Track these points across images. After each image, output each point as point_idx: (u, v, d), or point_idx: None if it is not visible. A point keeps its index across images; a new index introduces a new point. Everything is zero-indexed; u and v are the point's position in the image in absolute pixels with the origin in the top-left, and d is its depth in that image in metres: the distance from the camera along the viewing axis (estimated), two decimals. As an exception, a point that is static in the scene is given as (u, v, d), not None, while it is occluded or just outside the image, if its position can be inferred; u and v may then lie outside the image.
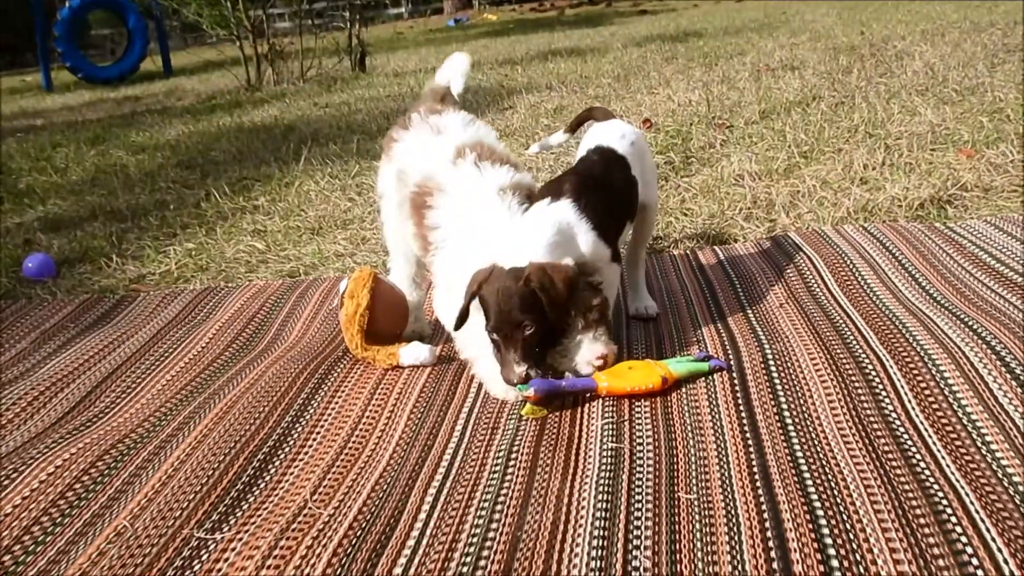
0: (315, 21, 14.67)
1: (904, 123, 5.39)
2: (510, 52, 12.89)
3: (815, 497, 1.96)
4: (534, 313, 2.51)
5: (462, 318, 2.60)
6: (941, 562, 1.72)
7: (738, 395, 2.48)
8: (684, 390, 2.53)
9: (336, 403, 2.72)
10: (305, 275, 4.13)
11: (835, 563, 1.74)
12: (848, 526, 1.85)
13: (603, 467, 2.17)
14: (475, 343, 2.70)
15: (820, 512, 1.90)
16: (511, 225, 2.67)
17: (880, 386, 2.43)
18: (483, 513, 2.05)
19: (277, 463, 2.39)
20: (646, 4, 22.62)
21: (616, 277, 2.83)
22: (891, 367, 2.51)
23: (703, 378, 2.59)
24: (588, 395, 2.54)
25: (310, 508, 2.15)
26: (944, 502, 1.90)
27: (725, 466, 2.12)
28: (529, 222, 2.65)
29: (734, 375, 2.60)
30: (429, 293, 3.26)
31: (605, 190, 2.80)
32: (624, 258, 3.18)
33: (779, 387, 2.49)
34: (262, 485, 2.28)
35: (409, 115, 3.14)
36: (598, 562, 1.83)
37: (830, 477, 2.03)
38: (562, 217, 2.65)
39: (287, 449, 2.46)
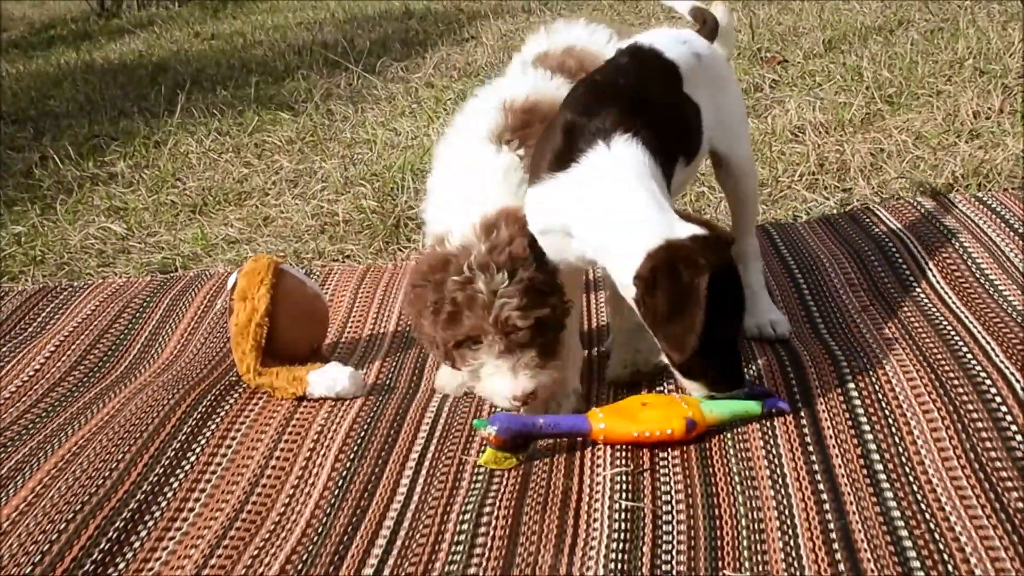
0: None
1: (1028, 55, 5.42)
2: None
3: None
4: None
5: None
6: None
7: (806, 433, 2.46)
8: (728, 425, 2.51)
9: (228, 448, 2.70)
10: (183, 269, 4.12)
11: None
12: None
13: (614, 536, 2.15)
14: None
15: (929, 596, 1.88)
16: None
17: (1007, 418, 2.41)
18: (442, 603, 2.02)
19: (143, 534, 2.36)
20: None
21: None
22: None
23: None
24: (580, 439, 2.51)
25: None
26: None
27: (790, 533, 2.10)
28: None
29: (800, 406, 2.57)
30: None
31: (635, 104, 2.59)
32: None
33: (864, 422, 2.48)
34: (122, 566, 2.25)
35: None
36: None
37: (942, 547, 2.01)
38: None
39: (156, 514, 2.43)
